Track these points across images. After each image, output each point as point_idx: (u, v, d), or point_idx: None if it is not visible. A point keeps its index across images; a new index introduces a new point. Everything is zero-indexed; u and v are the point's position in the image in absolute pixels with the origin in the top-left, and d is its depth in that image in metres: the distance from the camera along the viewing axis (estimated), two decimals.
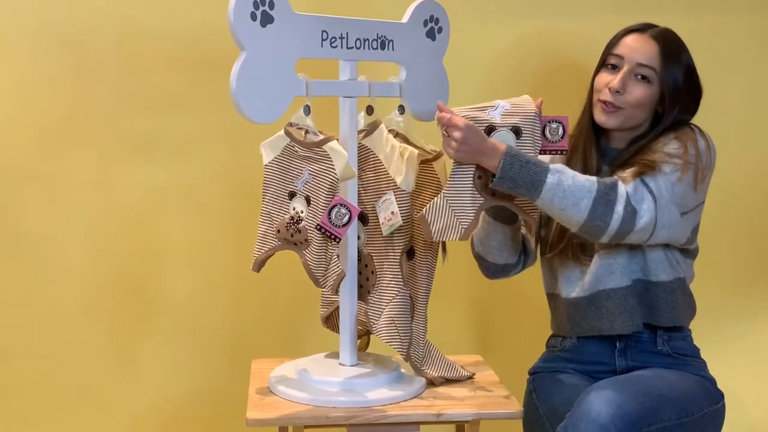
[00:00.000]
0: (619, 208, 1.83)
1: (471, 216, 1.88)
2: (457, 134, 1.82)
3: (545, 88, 2.50)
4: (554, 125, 1.91)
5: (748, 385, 2.55)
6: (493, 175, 1.84)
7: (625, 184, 1.86)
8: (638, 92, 1.98)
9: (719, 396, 2.00)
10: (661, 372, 1.97)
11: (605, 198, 1.83)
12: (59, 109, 2.45)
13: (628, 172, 1.91)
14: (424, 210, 1.88)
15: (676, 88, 1.98)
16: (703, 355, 2.07)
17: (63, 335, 2.51)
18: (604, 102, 2.00)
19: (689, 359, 2.04)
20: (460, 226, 1.88)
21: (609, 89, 1.99)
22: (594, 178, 1.85)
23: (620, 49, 2.01)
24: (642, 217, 1.85)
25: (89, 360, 2.53)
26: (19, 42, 2.42)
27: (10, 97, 2.44)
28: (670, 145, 1.94)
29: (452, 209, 1.87)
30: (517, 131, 1.89)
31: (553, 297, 2.12)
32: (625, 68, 1.99)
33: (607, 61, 2.03)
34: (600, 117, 2.02)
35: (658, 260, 1.99)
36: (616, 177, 1.89)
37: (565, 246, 2.02)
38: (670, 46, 1.99)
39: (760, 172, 2.62)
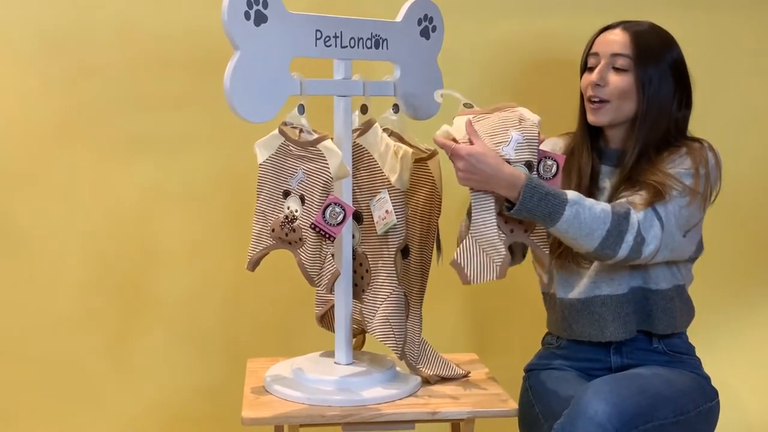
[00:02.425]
0: (629, 237, 1.83)
1: (503, 252, 1.81)
2: (460, 164, 1.77)
3: (540, 86, 2.50)
4: (549, 162, 1.84)
5: (743, 383, 2.55)
6: (508, 202, 1.80)
7: (636, 211, 1.85)
8: (618, 81, 1.97)
9: (714, 393, 2.00)
10: (657, 370, 1.97)
11: (618, 229, 1.82)
12: (56, 109, 2.45)
13: (639, 199, 1.89)
14: (455, 254, 1.82)
15: (656, 73, 1.96)
16: (699, 353, 2.08)
17: (59, 334, 2.50)
18: (590, 100, 2.01)
19: (684, 357, 2.04)
20: (494, 265, 1.81)
21: (590, 85, 2.00)
22: (609, 208, 1.83)
23: (595, 48, 2.03)
24: (649, 245, 1.85)
25: (85, 359, 2.52)
26: (18, 42, 2.42)
27: (7, 96, 2.43)
28: (681, 165, 1.93)
29: (483, 249, 1.81)
30: (529, 166, 1.83)
31: (548, 297, 2.12)
32: (602, 62, 2.00)
33: (587, 64, 2.04)
34: (591, 117, 2.02)
35: (658, 268, 1.99)
36: (628, 205, 1.87)
37: (564, 250, 2.02)
38: (643, 33, 1.99)
39: (759, 171, 2.62)
